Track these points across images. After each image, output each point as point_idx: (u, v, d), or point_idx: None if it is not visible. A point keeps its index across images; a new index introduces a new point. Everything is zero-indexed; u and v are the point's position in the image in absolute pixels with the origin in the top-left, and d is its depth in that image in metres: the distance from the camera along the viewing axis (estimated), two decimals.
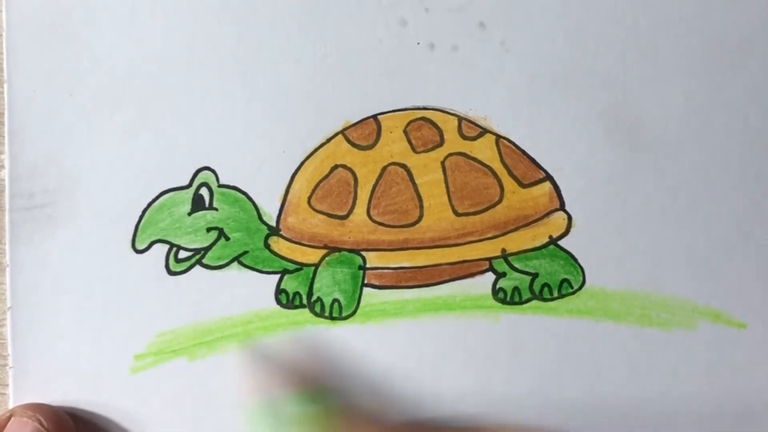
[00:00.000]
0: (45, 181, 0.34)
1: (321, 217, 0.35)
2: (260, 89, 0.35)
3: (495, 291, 0.35)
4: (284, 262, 0.35)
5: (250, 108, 0.35)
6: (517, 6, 0.35)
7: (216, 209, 0.35)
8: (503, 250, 0.35)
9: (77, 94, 0.34)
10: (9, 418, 0.32)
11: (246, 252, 0.35)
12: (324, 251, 0.35)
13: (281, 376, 0.34)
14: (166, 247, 0.34)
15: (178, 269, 0.34)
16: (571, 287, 0.35)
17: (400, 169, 0.35)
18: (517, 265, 0.35)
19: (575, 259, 0.35)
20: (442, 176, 0.35)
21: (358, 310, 0.35)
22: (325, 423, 0.33)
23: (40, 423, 0.32)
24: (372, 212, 0.35)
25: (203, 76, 0.35)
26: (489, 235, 0.35)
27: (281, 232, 0.35)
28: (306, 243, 0.35)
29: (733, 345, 0.35)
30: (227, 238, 0.35)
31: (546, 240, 0.35)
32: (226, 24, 0.35)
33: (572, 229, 0.35)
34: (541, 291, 0.35)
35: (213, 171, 0.35)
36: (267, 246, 0.35)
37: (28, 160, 0.34)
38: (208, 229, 0.35)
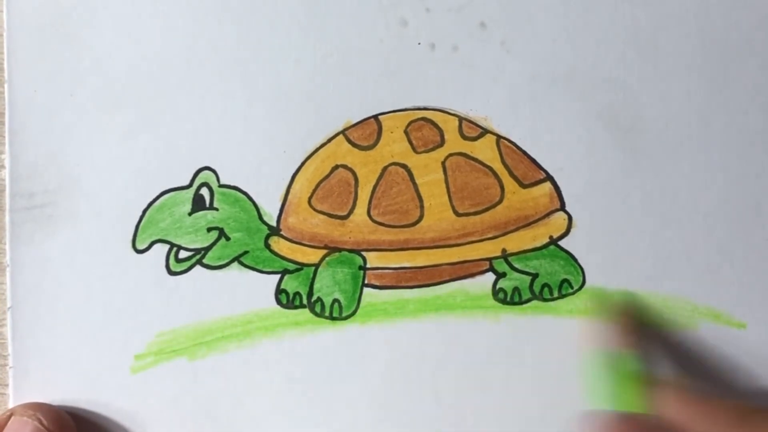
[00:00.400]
0: (45, 181, 0.34)
1: (321, 217, 0.35)
2: (260, 89, 0.35)
3: (495, 291, 0.35)
4: (284, 262, 0.35)
5: (250, 108, 0.35)
6: (518, 6, 0.35)
7: (216, 209, 0.35)
8: (503, 251, 0.35)
9: (77, 94, 0.34)
10: (9, 417, 0.32)
11: (246, 252, 0.35)
12: (324, 251, 0.35)
13: (630, 334, 0.34)
14: (167, 247, 0.34)
15: (179, 269, 0.34)
16: (571, 287, 0.35)
17: (401, 170, 0.35)
18: (517, 266, 0.35)
19: (575, 260, 0.35)
20: (442, 176, 0.35)
21: (359, 311, 0.35)
22: (636, 384, 0.33)
23: (40, 422, 0.32)
24: (372, 212, 0.35)
25: (203, 76, 0.35)
26: (489, 236, 0.35)
27: (282, 232, 0.35)
28: (306, 243, 0.35)
29: (733, 345, 0.35)
30: (227, 238, 0.35)
31: (546, 240, 0.35)
32: (226, 24, 0.35)
33: (572, 230, 0.35)
34: (541, 291, 0.35)
35: (213, 171, 0.35)
36: (267, 246, 0.35)
37: (29, 160, 0.34)
38: (209, 229, 0.35)
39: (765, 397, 0.35)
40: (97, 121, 0.34)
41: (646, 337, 0.35)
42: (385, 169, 0.35)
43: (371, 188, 0.35)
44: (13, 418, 0.32)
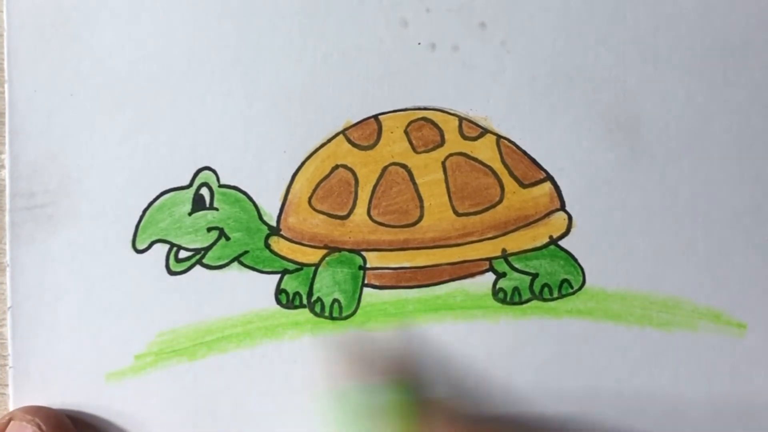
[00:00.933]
0: (45, 181, 0.34)
1: (321, 217, 0.35)
2: (260, 89, 0.35)
3: (495, 291, 0.35)
4: (284, 262, 0.35)
5: (250, 108, 0.35)
6: (518, 6, 0.35)
7: (216, 209, 0.35)
8: (503, 250, 0.35)
9: (78, 94, 0.34)
10: (8, 421, 0.32)
11: (246, 252, 0.35)
12: (324, 251, 0.35)
13: (361, 366, 0.34)
14: (167, 247, 0.34)
15: (179, 269, 0.34)
16: (571, 287, 0.35)
17: (401, 170, 0.35)
18: (517, 266, 0.35)
19: (575, 260, 0.35)
20: (442, 176, 0.35)
21: (359, 311, 0.35)
22: (401, 415, 0.33)
23: (39, 427, 0.32)
24: (372, 212, 0.35)
25: (203, 76, 0.35)
26: (489, 235, 0.35)
27: (282, 232, 0.35)
28: (306, 243, 0.35)
29: (733, 346, 0.35)
30: (227, 238, 0.35)
31: (546, 240, 0.35)
32: (226, 24, 0.35)
33: (572, 230, 0.35)
34: (541, 291, 0.35)
35: (213, 171, 0.35)
36: (267, 246, 0.35)
37: (29, 159, 0.34)
38: (209, 229, 0.35)
39: (765, 397, 0.35)
40: (97, 121, 0.34)
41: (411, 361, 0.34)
42: (385, 169, 0.35)
43: (371, 188, 0.35)
44: (12, 422, 0.32)
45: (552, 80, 0.35)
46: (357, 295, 0.35)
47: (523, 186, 0.35)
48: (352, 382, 0.34)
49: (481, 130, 0.35)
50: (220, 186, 0.35)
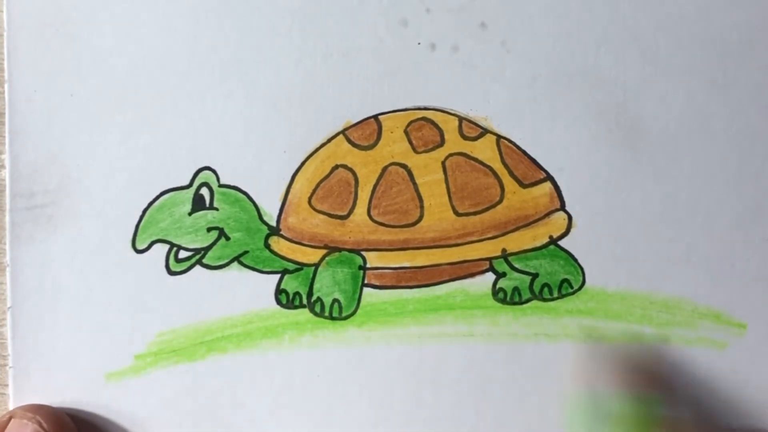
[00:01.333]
0: (45, 181, 0.34)
1: (321, 217, 0.35)
2: (260, 89, 0.35)
3: (495, 291, 0.35)
4: (284, 262, 0.35)
5: (250, 108, 0.35)
6: (518, 6, 0.35)
7: (216, 209, 0.35)
8: (503, 250, 0.35)
9: (77, 94, 0.34)
10: (9, 420, 0.32)
11: (246, 252, 0.35)
12: (324, 251, 0.35)
13: (615, 375, 0.34)
14: (167, 247, 0.34)
15: (179, 269, 0.34)
16: (571, 287, 0.35)
17: (401, 170, 0.35)
18: (517, 265, 0.35)
19: (575, 260, 0.35)
20: (442, 176, 0.35)
21: (359, 310, 0.35)
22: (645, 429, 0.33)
23: (40, 425, 0.32)
24: (372, 212, 0.35)
25: (203, 76, 0.35)
26: (489, 235, 0.35)
27: (281, 232, 0.35)
28: (306, 243, 0.35)
29: (733, 345, 0.35)
30: (227, 238, 0.35)
31: (546, 240, 0.35)
32: (226, 24, 0.35)
33: (572, 229, 0.35)
34: (541, 291, 0.35)
35: (213, 171, 0.35)
36: (267, 246, 0.35)
37: (29, 159, 0.34)
38: (209, 229, 0.35)
39: (765, 397, 0.35)
40: (97, 121, 0.34)
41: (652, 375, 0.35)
42: (385, 169, 0.35)
43: (371, 188, 0.35)
44: (12, 420, 0.32)
45: (552, 80, 0.35)
46: (357, 295, 0.35)
47: (523, 186, 0.35)
48: (594, 388, 0.34)
49: (481, 130, 0.35)
50: (220, 186, 0.35)
